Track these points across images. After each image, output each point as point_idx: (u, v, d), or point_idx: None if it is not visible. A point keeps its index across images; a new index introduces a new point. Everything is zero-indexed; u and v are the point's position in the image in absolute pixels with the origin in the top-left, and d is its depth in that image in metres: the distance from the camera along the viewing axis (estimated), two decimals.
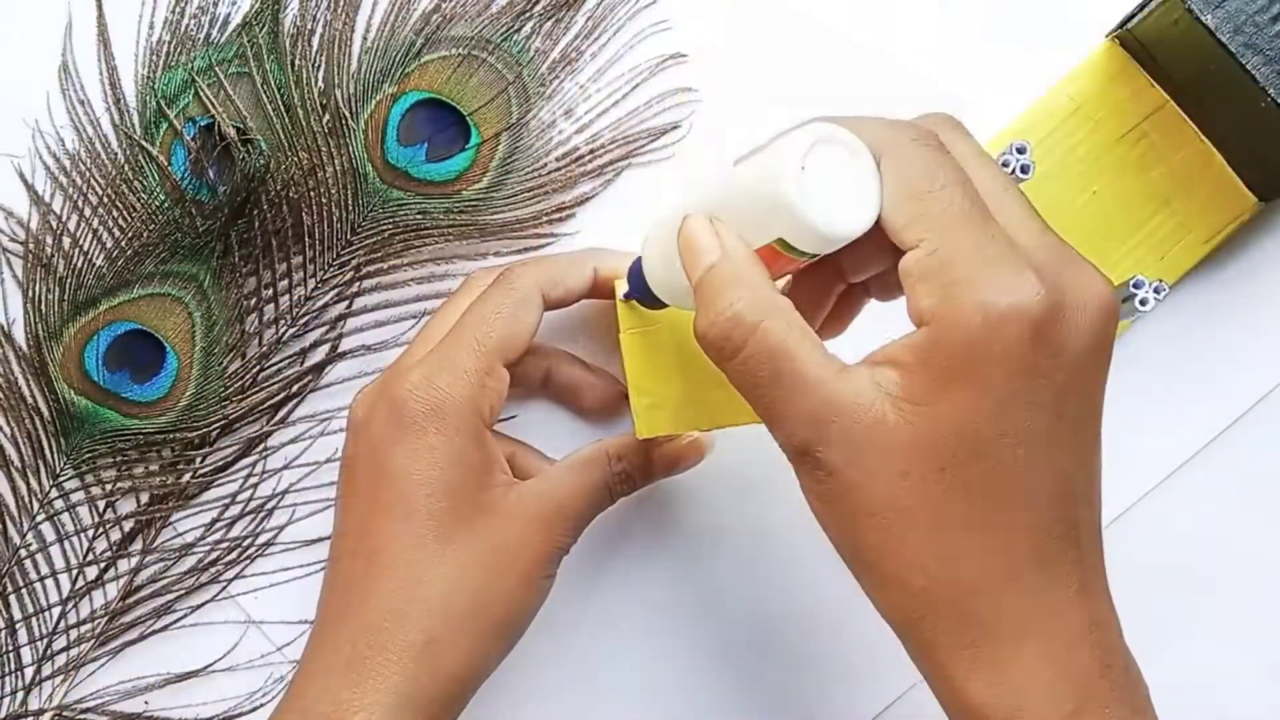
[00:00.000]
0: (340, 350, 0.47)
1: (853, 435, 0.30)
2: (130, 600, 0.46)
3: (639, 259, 0.39)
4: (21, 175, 0.47)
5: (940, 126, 0.33)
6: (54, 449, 0.46)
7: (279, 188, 0.46)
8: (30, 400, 0.46)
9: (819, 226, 0.30)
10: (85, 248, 0.47)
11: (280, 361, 0.47)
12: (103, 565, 0.46)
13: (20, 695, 0.46)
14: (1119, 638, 0.32)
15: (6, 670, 0.46)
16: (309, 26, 0.47)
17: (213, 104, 0.46)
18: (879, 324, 0.36)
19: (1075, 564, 0.31)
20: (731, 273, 0.32)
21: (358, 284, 0.47)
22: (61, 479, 0.47)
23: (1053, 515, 0.31)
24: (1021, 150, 0.43)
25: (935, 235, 0.30)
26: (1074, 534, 0.31)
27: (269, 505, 0.47)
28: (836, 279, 0.37)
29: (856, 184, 0.31)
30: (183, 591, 0.47)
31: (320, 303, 0.47)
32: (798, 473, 0.32)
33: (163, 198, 0.47)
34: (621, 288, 0.41)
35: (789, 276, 0.36)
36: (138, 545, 0.47)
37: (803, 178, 0.30)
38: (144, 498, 0.47)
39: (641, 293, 0.39)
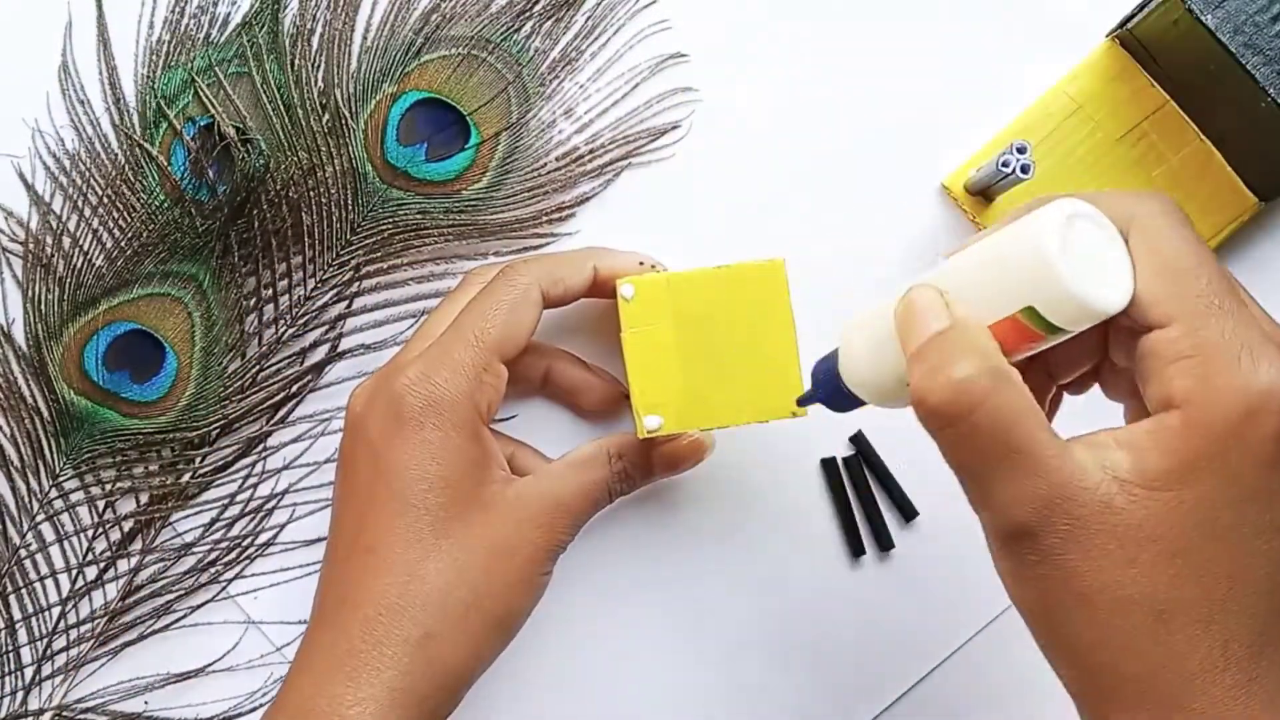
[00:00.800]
0: (340, 350, 0.47)
1: (1078, 519, 0.29)
2: (130, 600, 0.46)
3: (824, 359, 0.37)
4: (21, 175, 0.47)
5: (1159, 202, 0.32)
6: (54, 449, 0.46)
7: (279, 188, 0.46)
8: (30, 400, 0.46)
9: (1081, 295, 0.29)
10: (85, 248, 0.47)
11: (280, 361, 0.47)
12: (102, 565, 0.46)
13: (20, 695, 0.46)
14: None
15: (6, 670, 0.46)
16: (309, 26, 0.47)
17: (212, 104, 0.46)
18: None
19: None
20: (963, 338, 0.30)
21: (357, 284, 0.47)
22: (61, 479, 0.47)
23: (1270, 604, 0.30)
24: (1021, 150, 0.43)
25: (1189, 316, 0.29)
26: None
27: (269, 505, 0.47)
28: (1048, 383, 0.36)
29: (1110, 260, 0.30)
30: (182, 591, 0.47)
31: (320, 303, 0.47)
32: (1001, 554, 0.31)
33: (162, 198, 0.47)
34: (624, 287, 0.41)
35: None
36: (137, 545, 0.47)
37: (1066, 244, 0.29)
38: (144, 498, 0.47)
39: (827, 390, 0.37)
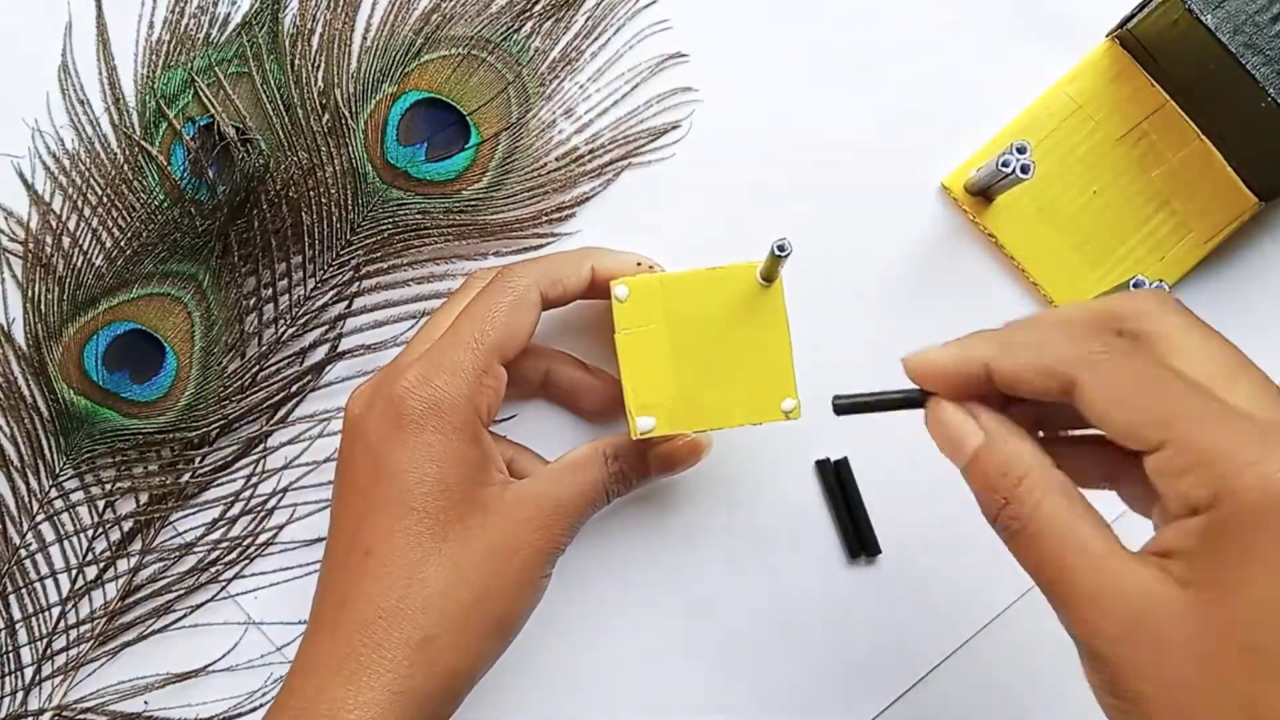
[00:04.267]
0: (340, 350, 0.47)
1: (1144, 626, 0.29)
2: (130, 600, 0.46)
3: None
4: (21, 175, 0.47)
5: (1146, 307, 0.32)
6: (54, 449, 0.46)
7: (278, 187, 0.46)
8: (30, 400, 0.46)
9: None
10: (85, 247, 0.47)
11: (280, 361, 0.47)
12: (102, 565, 0.46)
13: (20, 695, 0.46)
14: None
15: (6, 670, 0.46)
16: (309, 26, 0.47)
17: (212, 104, 0.46)
18: None
19: None
20: (1001, 453, 0.32)
21: (357, 284, 0.47)
22: (61, 479, 0.47)
23: None
24: (1021, 150, 0.43)
25: (1172, 432, 0.29)
26: None
27: (269, 505, 0.47)
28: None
29: None
30: (182, 591, 0.47)
31: (320, 302, 0.47)
32: (1088, 665, 0.31)
33: (162, 197, 0.47)
34: (618, 288, 0.41)
35: None
36: (137, 545, 0.47)
37: None
38: (143, 498, 0.47)
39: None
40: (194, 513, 0.47)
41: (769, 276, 0.40)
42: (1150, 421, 0.29)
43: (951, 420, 0.33)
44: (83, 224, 0.47)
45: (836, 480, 0.47)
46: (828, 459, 0.47)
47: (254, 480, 0.47)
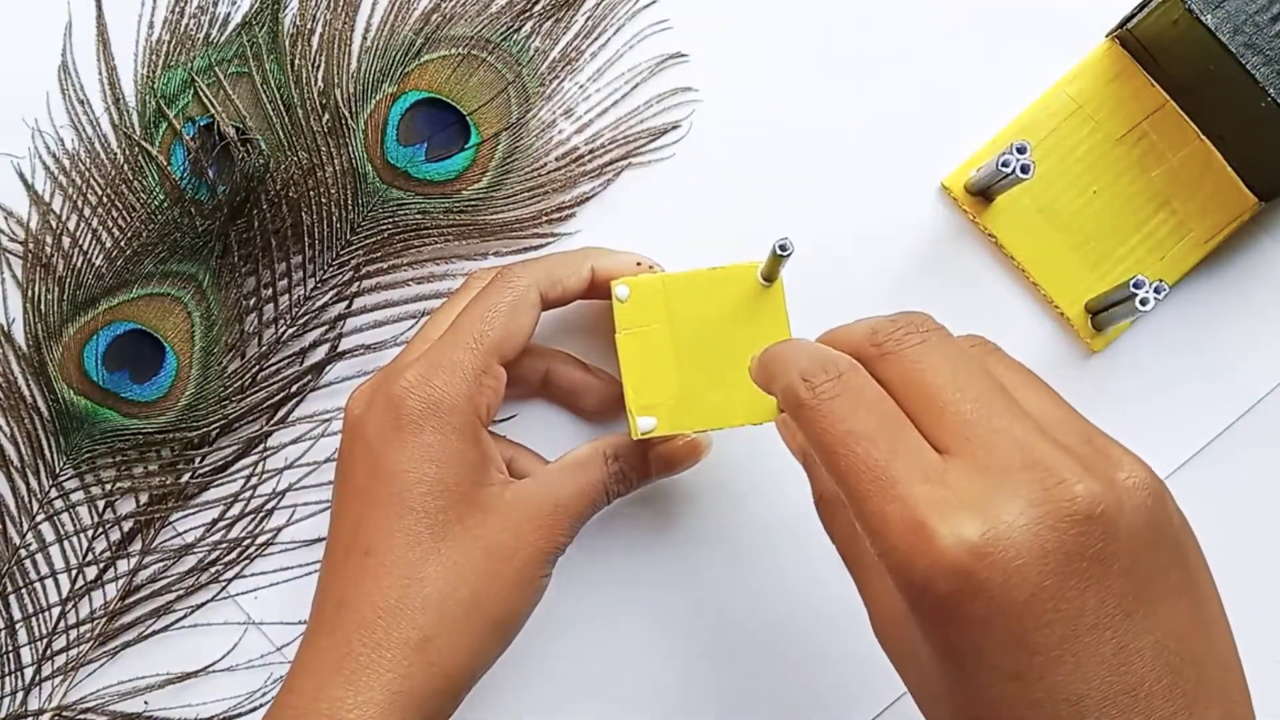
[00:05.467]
0: (340, 350, 0.47)
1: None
2: (130, 600, 0.46)
3: None
4: (21, 175, 0.47)
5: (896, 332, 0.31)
6: (54, 449, 0.46)
7: (278, 187, 0.46)
8: (30, 400, 0.46)
9: None
10: (85, 248, 0.47)
11: (280, 361, 0.47)
12: (102, 565, 0.46)
13: (20, 695, 0.46)
14: None
15: (6, 670, 0.46)
16: (309, 26, 0.47)
17: (212, 104, 0.46)
18: None
19: None
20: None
21: (357, 284, 0.47)
22: (61, 479, 0.47)
23: None
24: (1021, 150, 0.43)
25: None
26: None
27: (269, 505, 0.47)
28: None
29: None
30: (182, 592, 0.47)
31: (320, 302, 0.47)
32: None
33: (162, 197, 0.47)
34: (619, 288, 0.41)
35: None
36: (137, 545, 0.47)
37: None
38: (143, 498, 0.47)
39: None
40: (194, 513, 0.47)
41: (770, 276, 0.40)
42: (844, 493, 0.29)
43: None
44: (83, 224, 0.47)
45: None
46: None
47: (254, 480, 0.47)
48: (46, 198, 0.47)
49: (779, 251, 0.37)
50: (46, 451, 0.46)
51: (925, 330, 0.31)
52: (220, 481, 0.47)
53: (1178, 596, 0.28)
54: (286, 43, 0.47)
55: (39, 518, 0.47)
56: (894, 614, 0.32)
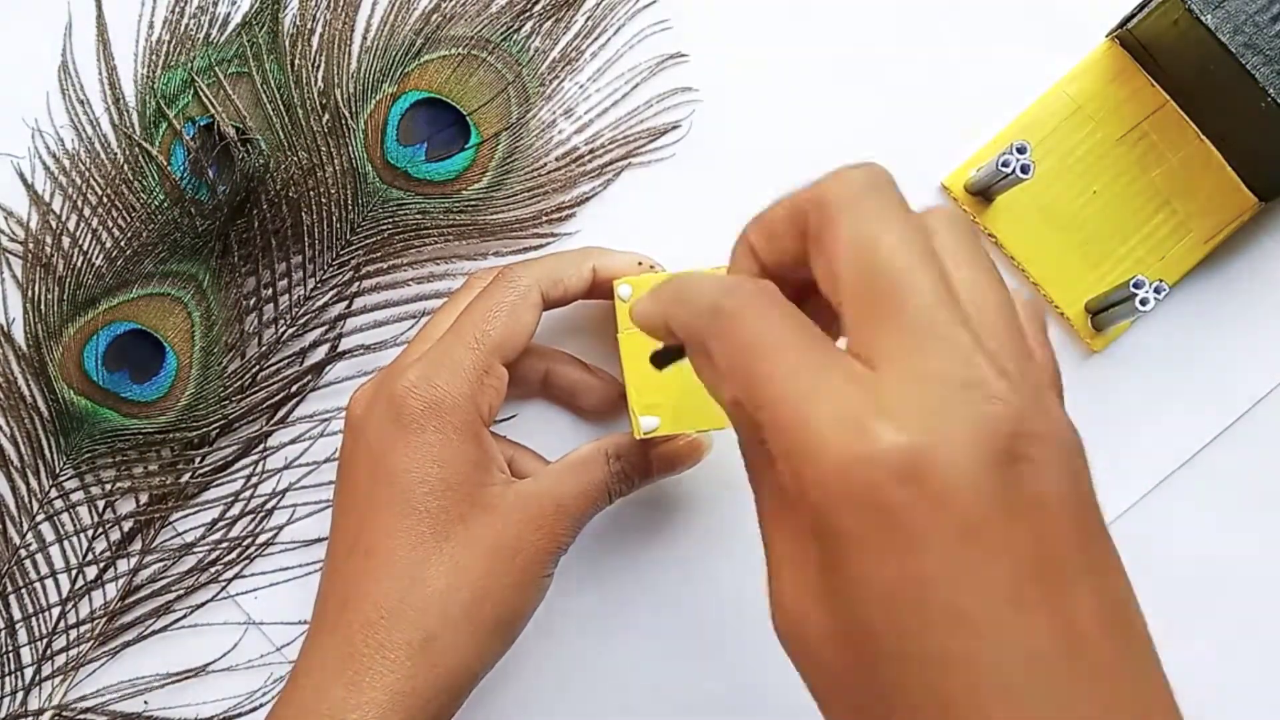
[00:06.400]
0: (340, 350, 0.47)
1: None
2: (130, 600, 0.46)
3: None
4: (21, 175, 0.47)
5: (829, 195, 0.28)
6: (54, 449, 0.46)
7: (278, 187, 0.46)
8: (30, 400, 0.46)
9: None
10: (85, 247, 0.47)
11: (280, 361, 0.47)
12: (102, 565, 0.46)
13: (20, 695, 0.46)
14: None
15: (6, 670, 0.46)
16: (309, 26, 0.47)
17: (212, 104, 0.46)
18: None
19: None
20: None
21: (357, 284, 0.47)
22: (61, 479, 0.47)
23: None
24: (1021, 150, 0.43)
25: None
26: None
27: (269, 505, 0.47)
28: None
29: None
30: (182, 591, 0.47)
31: (320, 302, 0.47)
32: None
33: (162, 197, 0.47)
34: (622, 287, 0.41)
35: None
36: (137, 545, 0.47)
37: None
38: (144, 498, 0.47)
39: None
40: (194, 513, 0.47)
41: None
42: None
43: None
44: (83, 224, 0.47)
45: None
46: None
47: (254, 480, 0.47)
48: (46, 198, 0.47)
49: None
50: (46, 451, 0.46)
51: (861, 198, 0.27)
52: (220, 481, 0.47)
53: (1105, 538, 0.26)
54: (286, 43, 0.47)
55: (39, 518, 0.47)
56: (795, 569, 0.29)
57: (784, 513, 0.28)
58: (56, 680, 0.46)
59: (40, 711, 0.46)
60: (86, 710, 0.46)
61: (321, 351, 0.47)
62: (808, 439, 0.25)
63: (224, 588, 0.47)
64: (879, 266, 0.26)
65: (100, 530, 0.47)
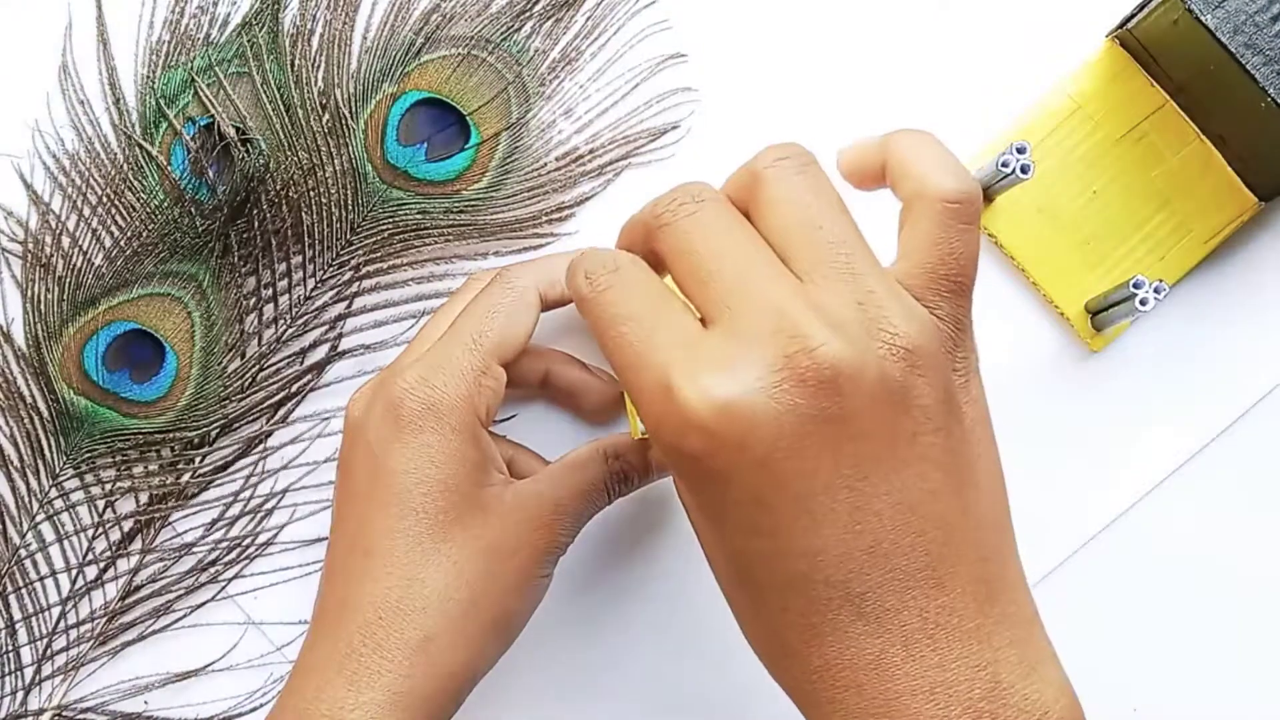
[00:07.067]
0: (340, 350, 0.47)
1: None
2: (130, 600, 0.46)
3: None
4: (21, 175, 0.47)
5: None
6: (54, 449, 0.46)
7: (279, 187, 0.46)
8: (30, 400, 0.46)
9: None
10: (85, 247, 0.47)
11: (280, 361, 0.47)
12: (103, 565, 0.46)
13: (20, 695, 0.46)
14: None
15: (6, 670, 0.46)
16: (309, 26, 0.47)
17: (212, 104, 0.46)
18: None
19: None
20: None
21: (357, 284, 0.47)
22: (61, 479, 0.47)
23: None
24: (1021, 150, 0.43)
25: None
26: None
27: (269, 505, 0.47)
28: None
29: None
30: (182, 591, 0.47)
31: (320, 303, 0.47)
32: None
33: (162, 197, 0.47)
34: None
35: None
36: (137, 545, 0.47)
37: None
38: (143, 498, 0.47)
39: None
40: (194, 513, 0.47)
41: None
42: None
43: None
44: (82, 224, 0.47)
45: None
46: None
47: (254, 480, 0.47)
48: (46, 198, 0.47)
49: None
50: (46, 451, 0.46)
51: (699, 199, 0.31)
52: (220, 481, 0.47)
53: (924, 462, 0.29)
54: (286, 43, 0.47)
55: (39, 518, 0.47)
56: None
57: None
58: (56, 680, 0.46)
59: (40, 711, 0.46)
60: (86, 710, 0.46)
61: (321, 351, 0.47)
62: (639, 400, 0.30)
63: (224, 588, 0.47)
64: (694, 254, 0.30)
65: (100, 530, 0.47)
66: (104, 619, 0.46)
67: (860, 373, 0.28)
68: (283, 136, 0.47)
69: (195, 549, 0.47)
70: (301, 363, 0.47)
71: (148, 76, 0.47)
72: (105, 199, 0.47)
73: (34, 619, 0.46)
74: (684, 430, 0.28)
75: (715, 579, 0.34)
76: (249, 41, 0.47)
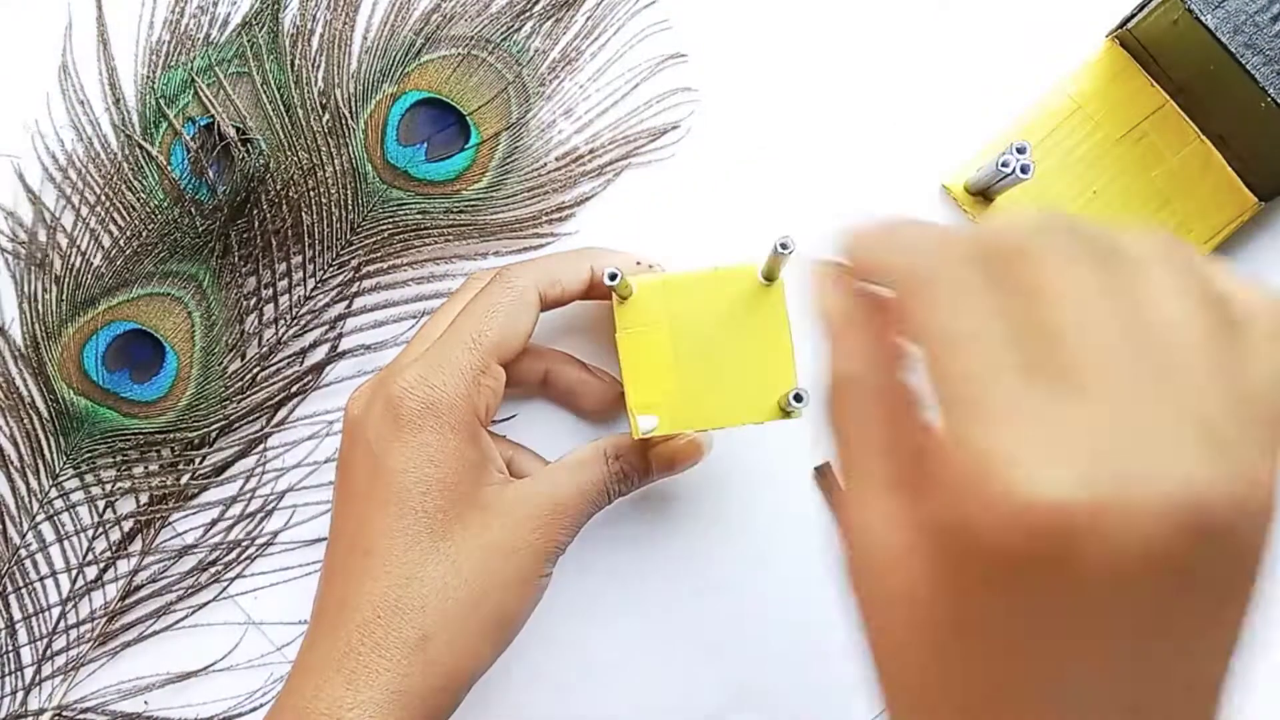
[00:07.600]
0: (340, 350, 0.47)
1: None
2: (130, 600, 0.46)
3: None
4: (21, 175, 0.47)
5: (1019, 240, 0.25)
6: (54, 449, 0.46)
7: (279, 187, 0.46)
8: (30, 400, 0.46)
9: None
10: (84, 247, 0.47)
11: (280, 361, 0.47)
12: (102, 565, 0.46)
13: (20, 695, 0.46)
14: None
15: (6, 670, 0.46)
16: (309, 26, 0.47)
17: (212, 104, 0.46)
18: None
19: None
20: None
21: (357, 284, 0.47)
22: (61, 479, 0.47)
23: None
24: (1021, 150, 0.43)
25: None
26: None
27: (269, 506, 0.47)
28: None
29: None
30: (182, 592, 0.47)
31: (320, 303, 0.47)
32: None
33: (162, 197, 0.47)
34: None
35: None
36: (137, 545, 0.47)
37: None
38: (143, 498, 0.47)
39: None
40: (194, 513, 0.47)
41: (771, 275, 0.40)
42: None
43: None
44: (82, 224, 0.47)
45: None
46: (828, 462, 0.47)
47: (254, 481, 0.47)
48: (46, 198, 0.47)
49: (780, 249, 0.37)
50: (46, 451, 0.47)
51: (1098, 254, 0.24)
52: (220, 481, 0.47)
53: (1234, 629, 0.26)
54: (286, 43, 0.47)
55: (39, 518, 0.47)
56: (893, 548, 0.27)
57: (881, 493, 0.28)
58: (56, 680, 0.46)
59: (40, 711, 0.46)
60: (86, 710, 0.46)
61: (321, 351, 0.47)
62: (968, 469, 0.23)
63: (224, 588, 0.47)
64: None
65: (100, 530, 0.47)
66: (104, 619, 0.46)
67: (1241, 525, 0.23)
68: (283, 136, 0.47)
69: (195, 549, 0.47)
70: (301, 363, 0.47)
71: (148, 76, 0.47)
72: (105, 199, 0.47)
73: (34, 619, 0.46)
74: (1017, 522, 0.22)
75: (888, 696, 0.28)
76: (249, 41, 0.47)
